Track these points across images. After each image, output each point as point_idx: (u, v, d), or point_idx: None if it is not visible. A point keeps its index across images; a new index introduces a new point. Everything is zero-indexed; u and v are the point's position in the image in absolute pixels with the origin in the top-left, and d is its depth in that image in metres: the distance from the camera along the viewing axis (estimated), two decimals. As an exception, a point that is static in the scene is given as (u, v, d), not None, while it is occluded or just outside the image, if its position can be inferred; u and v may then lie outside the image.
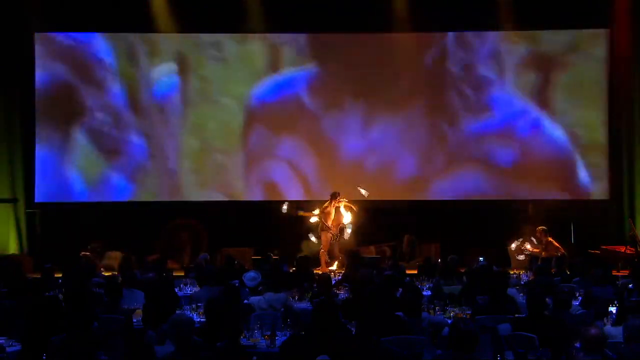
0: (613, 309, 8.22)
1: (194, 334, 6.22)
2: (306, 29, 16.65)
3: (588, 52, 16.50)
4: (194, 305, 8.65)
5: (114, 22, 16.20)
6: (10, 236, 16.14)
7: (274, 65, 16.77)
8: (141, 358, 5.73)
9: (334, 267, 14.62)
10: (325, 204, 15.01)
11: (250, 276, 9.66)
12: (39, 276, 11.16)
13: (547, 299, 7.78)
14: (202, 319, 8.10)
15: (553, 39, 16.52)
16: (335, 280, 11.22)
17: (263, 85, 16.76)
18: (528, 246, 14.89)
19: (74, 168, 16.59)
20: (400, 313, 7.54)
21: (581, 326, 6.30)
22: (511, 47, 16.50)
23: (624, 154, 16.36)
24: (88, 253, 14.26)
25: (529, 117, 16.53)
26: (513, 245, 15.35)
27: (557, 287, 9.18)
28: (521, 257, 14.64)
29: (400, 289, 8.85)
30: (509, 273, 9.91)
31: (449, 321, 7.66)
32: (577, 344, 6.05)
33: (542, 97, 16.45)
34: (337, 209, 15.00)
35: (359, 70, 16.66)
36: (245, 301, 8.89)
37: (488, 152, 16.53)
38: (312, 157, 16.72)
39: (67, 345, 6.57)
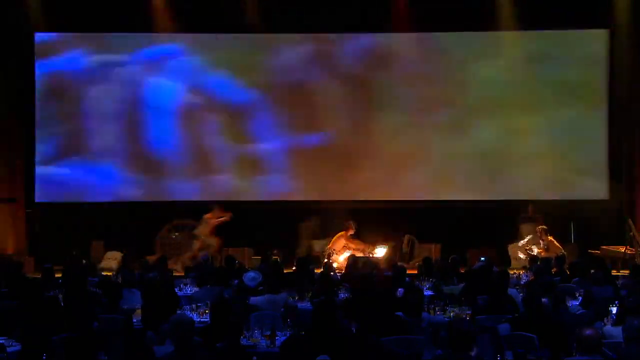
0: (613, 309, 8.22)
1: (194, 334, 6.22)
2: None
3: (588, 52, 16.50)
4: (194, 305, 8.65)
5: (114, 22, 16.18)
6: (10, 236, 16.13)
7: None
8: (141, 358, 5.73)
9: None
10: (345, 242, 15.06)
11: (250, 276, 9.64)
12: (39, 276, 11.16)
13: (543, 299, 7.77)
14: (202, 319, 8.11)
15: (553, 39, 16.51)
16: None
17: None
18: (534, 248, 14.77)
19: (75, 168, 16.59)
20: (400, 313, 7.54)
21: (579, 326, 6.31)
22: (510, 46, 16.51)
23: (624, 154, 16.34)
24: None
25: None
26: (520, 242, 15.29)
27: (557, 287, 9.18)
28: (522, 256, 14.59)
29: (401, 289, 8.86)
30: (509, 273, 9.90)
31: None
32: (575, 344, 6.07)
33: (541, 96, 16.45)
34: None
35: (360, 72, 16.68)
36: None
37: (488, 151, 16.53)
38: (311, 157, 16.71)
39: (67, 345, 6.58)
